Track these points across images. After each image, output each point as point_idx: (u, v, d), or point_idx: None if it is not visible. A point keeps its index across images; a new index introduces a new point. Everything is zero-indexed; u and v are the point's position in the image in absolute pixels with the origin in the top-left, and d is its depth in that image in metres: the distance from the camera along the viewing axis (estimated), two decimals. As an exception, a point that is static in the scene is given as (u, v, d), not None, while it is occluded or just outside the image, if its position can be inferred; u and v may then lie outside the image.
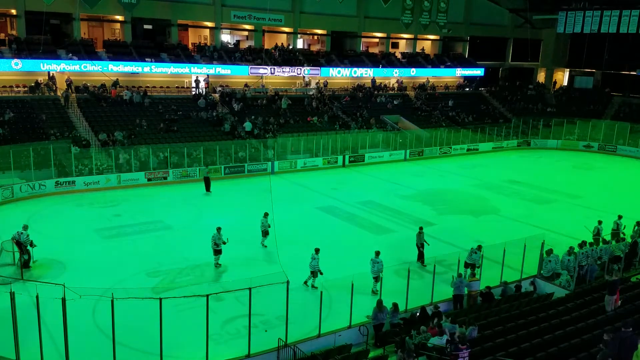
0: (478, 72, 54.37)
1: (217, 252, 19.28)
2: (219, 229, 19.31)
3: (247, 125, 36.98)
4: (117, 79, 37.04)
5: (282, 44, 45.76)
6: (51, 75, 35.30)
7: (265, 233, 21.24)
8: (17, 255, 18.20)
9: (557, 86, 58.32)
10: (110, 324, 11.49)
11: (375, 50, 52.93)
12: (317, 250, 17.95)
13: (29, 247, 18.43)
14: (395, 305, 14.82)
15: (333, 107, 43.12)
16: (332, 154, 37.38)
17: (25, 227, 18.65)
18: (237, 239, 22.36)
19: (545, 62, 59.30)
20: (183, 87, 40.55)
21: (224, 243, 19.26)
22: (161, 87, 39.29)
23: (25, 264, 18.21)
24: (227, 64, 40.95)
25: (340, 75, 46.40)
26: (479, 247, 18.64)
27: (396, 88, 49.96)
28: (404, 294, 15.46)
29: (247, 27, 44.87)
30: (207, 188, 29.71)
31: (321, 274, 17.58)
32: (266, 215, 21.23)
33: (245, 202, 28.03)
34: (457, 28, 53.92)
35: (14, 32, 36.15)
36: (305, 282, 17.77)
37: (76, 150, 29.79)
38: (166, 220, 24.36)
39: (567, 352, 11.61)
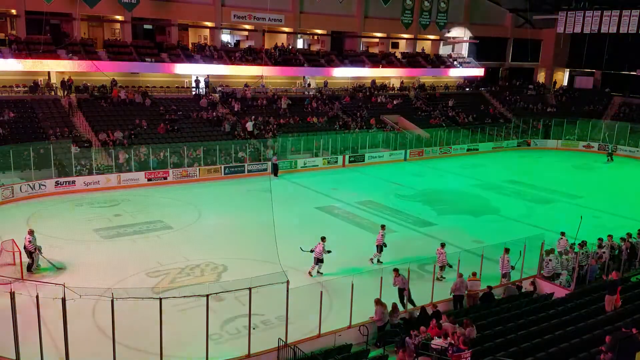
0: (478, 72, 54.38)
1: (320, 261, 18.86)
2: (323, 239, 18.92)
3: (250, 125, 37.06)
4: (114, 78, 36.96)
5: (282, 44, 45.76)
6: (67, 79, 35.23)
7: (380, 248, 20.06)
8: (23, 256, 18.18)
9: (557, 86, 58.32)
10: (110, 324, 11.49)
11: (375, 50, 52.93)
12: (442, 245, 18.54)
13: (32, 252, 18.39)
14: (394, 306, 14.81)
15: (333, 107, 43.12)
16: (332, 154, 37.39)
17: (31, 232, 18.55)
18: (237, 239, 22.40)
19: (545, 62, 59.31)
20: (183, 87, 40.57)
21: (329, 252, 18.85)
22: (161, 87, 39.30)
23: (28, 267, 18.20)
24: (227, 64, 40.94)
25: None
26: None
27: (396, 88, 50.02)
28: (404, 294, 15.45)
29: (247, 27, 44.87)
30: (275, 173, 33.71)
31: (450, 266, 18.04)
32: (383, 227, 20.53)
33: (245, 202, 28.04)
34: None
35: (14, 32, 36.15)
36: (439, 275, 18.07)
37: (76, 150, 29.78)
38: (166, 220, 24.36)
39: (567, 352, 11.61)
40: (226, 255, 20.28)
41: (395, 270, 15.98)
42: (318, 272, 18.83)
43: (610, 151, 43.11)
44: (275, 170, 34.07)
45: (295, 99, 42.84)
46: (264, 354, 13.06)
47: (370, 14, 48.45)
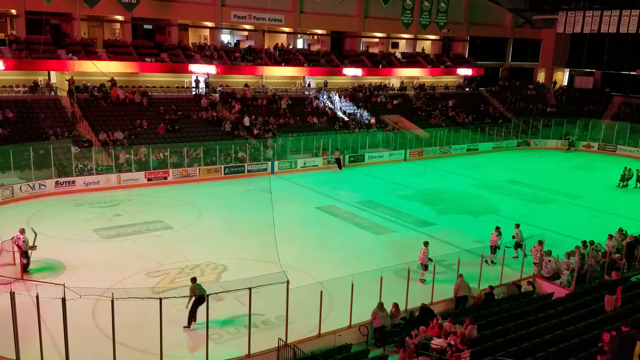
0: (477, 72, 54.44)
1: (425, 267, 18.52)
2: (426, 244, 18.59)
3: (247, 120, 37.20)
4: (112, 78, 36.95)
5: (282, 44, 45.77)
6: (72, 78, 35.23)
7: (495, 249, 19.90)
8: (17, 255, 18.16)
9: (557, 86, 58.33)
10: (110, 324, 11.49)
11: (375, 50, 52.95)
12: (541, 242, 18.46)
13: (28, 252, 18.35)
14: (396, 306, 14.80)
15: (334, 107, 43.12)
16: (332, 154, 37.39)
17: (22, 231, 18.52)
18: (237, 239, 22.40)
19: (545, 62, 59.32)
20: (183, 87, 40.58)
21: (430, 260, 18.27)
22: (161, 87, 39.31)
23: (24, 268, 18.16)
24: (227, 64, 40.94)
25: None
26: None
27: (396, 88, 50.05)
28: (404, 294, 15.46)
29: (247, 27, 44.88)
30: (339, 167, 36.37)
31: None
32: (497, 229, 20.34)
33: (245, 202, 28.04)
34: (457, 28, 53.94)
35: (14, 32, 36.16)
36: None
37: (76, 150, 29.78)
38: (166, 220, 24.37)
39: (567, 352, 11.61)
40: (226, 255, 20.28)
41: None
42: (421, 279, 18.40)
43: (571, 141, 45.64)
44: (339, 163, 36.44)
45: (295, 99, 42.85)
46: (264, 354, 13.07)
47: (370, 14, 48.45)
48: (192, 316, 14.86)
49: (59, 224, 23.48)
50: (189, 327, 14.85)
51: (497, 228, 20.41)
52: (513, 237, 20.44)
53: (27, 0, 34.23)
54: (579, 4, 51.63)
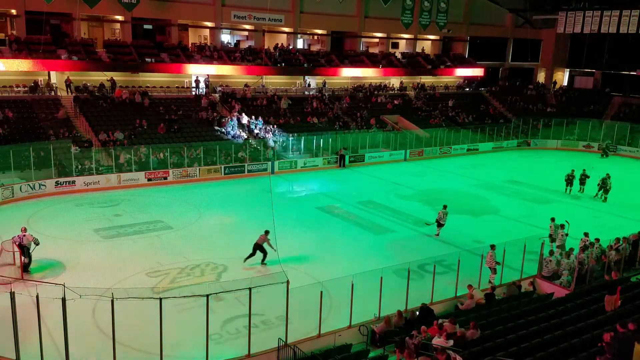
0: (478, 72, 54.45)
1: (494, 271, 18.40)
2: (493, 247, 18.44)
3: (244, 118, 37.43)
4: (112, 77, 36.95)
5: (282, 44, 45.76)
6: (68, 79, 35.27)
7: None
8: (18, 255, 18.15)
9: (557, 86, 58.32)
10: (110, 324, 11.50)
11: (375, 50, 52.94)
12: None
13: (31, 250, 18.34)
14: (399, 314, 14.76)
15: (333, 107, 43.12)
16: (332, 154, 37.40)
17: (24, 230, 18.54)
18: (237, 238, 22.39)
19: (545, 62, 59.32)
20: (183, 87, 40.57)
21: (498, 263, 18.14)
22: (161, 87, 39.31)
23: (25, 267, 18.15)
24: (227, 64, 40.94)
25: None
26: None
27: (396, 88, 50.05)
28: (404, 294, 15.45)
29: (247, 27, 44.88)
30: (342, 164, 36.98)
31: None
32: (563, 226, 20.80)
33: (245, 202, 28.04)
34: (457, 28, 53.92)
35: (14, 32, 36.16)
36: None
37: (76, 150, 29.77)
38: (166, 220, 24.37)
39: (567, 352, 11.60)
40: (226, 255, 20.29)
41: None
42: (490, 281, 18.24)
43: (604, 147, 44.16)
44: (342, 161, 37.01)
45: (295, 99, 42.84)
46: (264, 354, 13.07)
47: (370, 14, 48.45)
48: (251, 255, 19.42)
49: (59, 224, 23.49)
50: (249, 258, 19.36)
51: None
52: (437, 220, 23.08)
53: (27, 0, 34.24)
54: (579, 4, 51.61)
